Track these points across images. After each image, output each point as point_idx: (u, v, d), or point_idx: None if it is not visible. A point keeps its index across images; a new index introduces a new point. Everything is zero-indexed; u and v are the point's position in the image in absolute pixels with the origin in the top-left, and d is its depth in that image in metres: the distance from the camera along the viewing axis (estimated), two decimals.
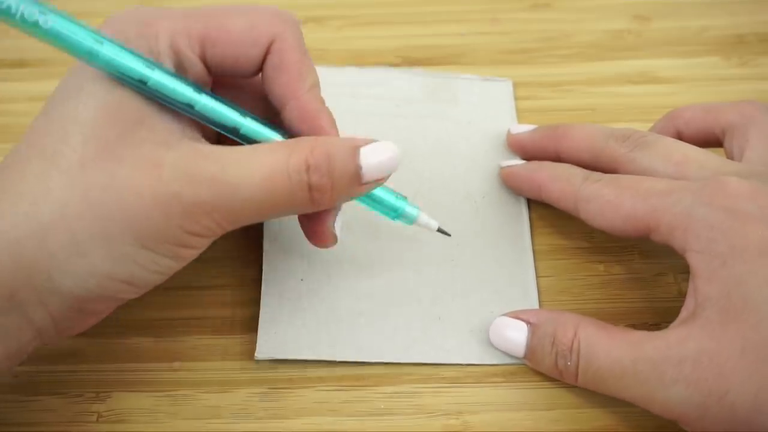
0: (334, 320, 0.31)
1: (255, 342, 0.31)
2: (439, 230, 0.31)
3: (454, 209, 0.35)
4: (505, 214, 0.35)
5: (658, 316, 0.31)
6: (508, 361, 0.30)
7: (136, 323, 0.32)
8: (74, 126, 0.24)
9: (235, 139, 0.27)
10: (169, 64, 0.26)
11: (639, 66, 0.41)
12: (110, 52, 0.24)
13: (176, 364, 0.31)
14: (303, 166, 0.25)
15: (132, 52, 0.25)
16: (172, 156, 0.24)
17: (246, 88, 0.29)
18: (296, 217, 0.32)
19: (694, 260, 0.26)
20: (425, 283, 0.32)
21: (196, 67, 0.27)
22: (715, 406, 0.25)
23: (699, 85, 0.40)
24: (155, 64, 0.25)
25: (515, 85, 0.40)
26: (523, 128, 0.36)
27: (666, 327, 0.27)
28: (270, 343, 0.31)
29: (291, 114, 0.27)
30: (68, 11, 0.44)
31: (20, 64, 0.42)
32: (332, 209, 0.28)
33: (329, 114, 0.28)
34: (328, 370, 0.30)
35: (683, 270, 0.27)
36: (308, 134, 0.27)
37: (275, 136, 0.27)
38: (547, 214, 0.34)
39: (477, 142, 0.37)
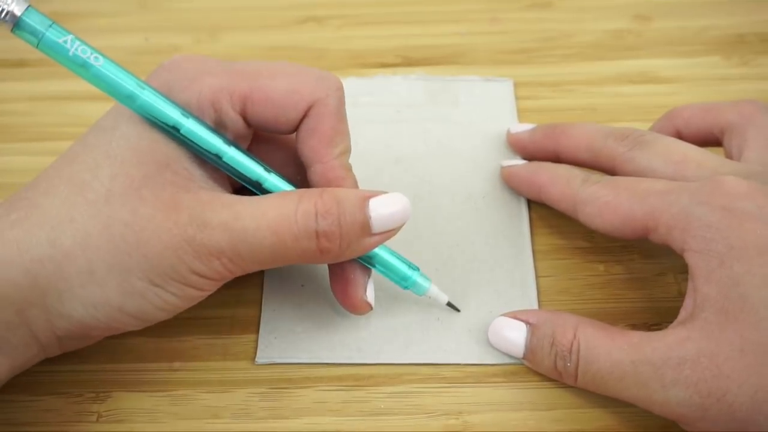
0: (334, 324, 0.31)
1: (255, 342, 0.31)
2: (449, 304, 0.31)
3: (455, 209, 0.35)
4: (505, 214, 0.35)
5: (658, 316, 0.31)
6: (508, 361, 0.30)
7: None
8: (105, 160, 0.25)
9: (258, 192, 0.28)
10: (208, 119, 0.27)
11: (639, 66, 0.41)
12: (149, 98, 0.26)
13: (176, 364, 0.31)
14: (311, 211, 0.26)
15: (169, 101, 0.26)
16: (188, 200, 0.25)
17: (281, 143, 0.30)
18: None
19: (692, 260, 0.26)
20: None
21: (237, 124, 0.28)
22: (714, 406, 0.25)
23: (699, 84, 0.40)
24: (189, 113, 0.26)
25: (515, 85, 0.40)
26: (522, 128, 0.36)
27: (666, 327, 0.27)
28: (270, 348, 0.31)
29: (314, 176, 0.28)
30: (70, 11, 0.44)
31: (20, 64, 0.42)
32: (361, 277, 0.29)
33: (352, 181, 0.28)
34: (328, 370, 0.30)
35: (683, 270, 0.27)
36: None
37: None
38: (547, 214, 0.34)
39: (478, 143, 0.37)
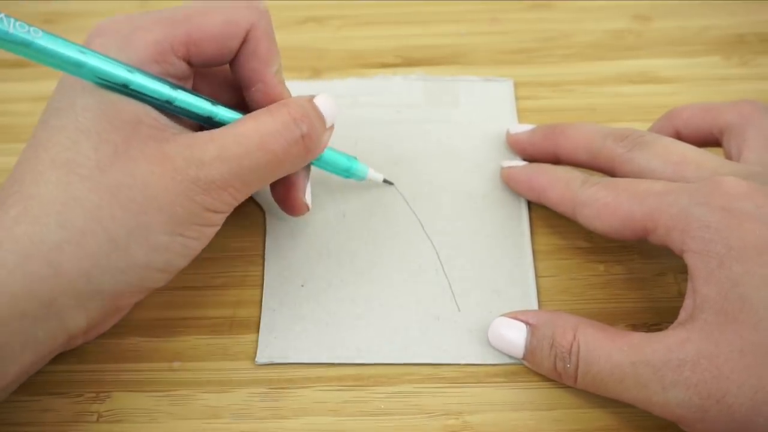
0: (333, 324, 0.31)
1: (255, 342, 0.31)
2: (385, 180, 0.35)
3: (455, 209, 0.35)
4: (505, 214, 0.35)
5: (658, 316, 0.31)
6: (508, 361, 0.30)
7: (136, 323, 0.32)
8: (80, 135, 0.26)
9: (211, 126, 0.28)
10: (155, 72, 0.27)
11: (639, 66, 0.41)
12: (95, 62, 0.26)
13: (176, 364, 0.31)
14: (289, 120, 0.28)
15: (113, 60, 0.26)
16: (173, 147, 0.26)
17: (212, 73, 0.31)
18: (296, 221, 0.34)
19: (691, 261, 0.26)
20: (424, 284, 0.32)
21: (180, 69, 0.28)
22: (713, 408, 0.25)
23: (699, 85, 0.40)
24: (134, 68, 0.26)
25: (515, 85, 0.40)
26: (521, 128, 0.36)
27: (666, 327, 0.27)
28: (270, 348, 0.31)
29: (257, 95, 0.30)
30: (70, 11, 0.44)
31: (20, 64, 0.42)
32: (303, 181, 0.32)
33: (289, 93, 0.30)
34: (328, 370, 0.30)
35: (683, 270, 0.27)
36: None
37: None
38: (547, 214, 0.34)
39: (478, 143, 0.37)
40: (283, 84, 0.30)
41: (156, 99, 0.27)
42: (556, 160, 0.34)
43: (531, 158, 0.35)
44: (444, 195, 0.35)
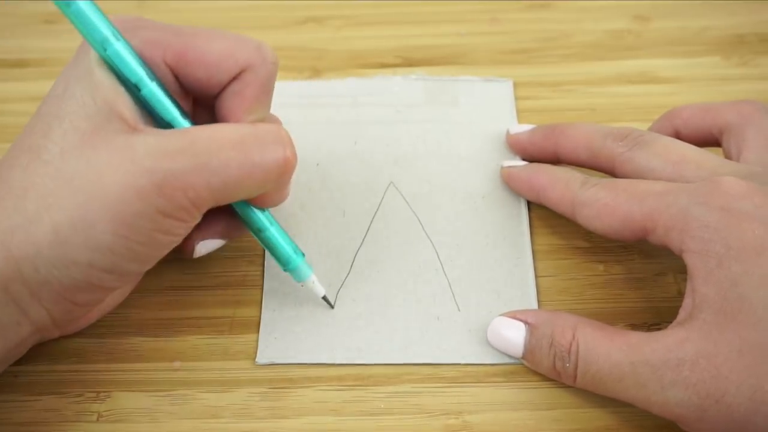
0: (333, 325, 0.31)
1: (255, 342, 0.31)
2: (324, 298, 0.31)
3: (455, 209, 0.35)
4: (505, 214, 0.35)
5: (658, 316, 0.31)
6: (507, 360, 0.30)
7: (135, 323, 0.32)
8: (55, 121, 0.26)
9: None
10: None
11: (639, 66, 0.41)
12: (85, 8, 0.25)
13: (176, 364, 0.31)
14: (277, 137, 0.26)
15: (105, 19, 0.25)
16: (141, 138, 0.25)
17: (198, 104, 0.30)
18: (296, 221, 0.34)
19: (690, 260, 0.26)
20: (424, 284, 0.32)
21: (167, 77, 0.27)
22: (712, 407, 0.25)
23: (699, 85, 0.40)
24: (121, 36, 0.26)
25: (515, 85, 0.40)
26: (521, 128, 0.36)
27: (665, 327, 0.27)
28: (270, 348, 0.31)
29: None
30: None
31: (20, 64, 0.42)
32: (217, 232, 0.30)
33: None
34: (328, 370, 0.30)
35: (683, 270, 0.27)
36: None
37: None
38: (546, 214, 0.34)
39: (477, 143, 0.37)
40: None
41: (127, 77, 0.26)
42: (556, 160, 0.34)
43: (531, 158, 0.35)
44: (444, 195, 0.35)
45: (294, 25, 0.43)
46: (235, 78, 0.27)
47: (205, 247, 0.30)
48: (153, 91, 0.26)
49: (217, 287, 0.33)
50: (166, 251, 0.27)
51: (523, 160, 0.36)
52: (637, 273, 0.33)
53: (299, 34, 0.43)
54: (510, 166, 0.35)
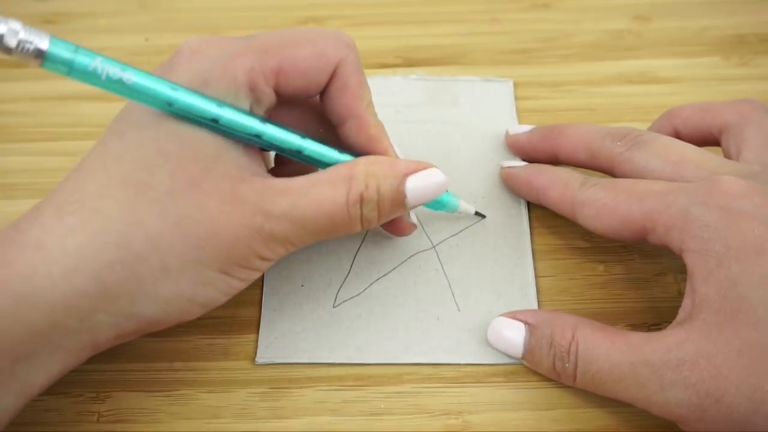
0: (333, 324, 0.31)
1: (255, 342, 0.31)
2: (477, 213, 0.34)
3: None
4: (505, 214, 0.35)
5: (658, 316, 0.31)
6: (507, 361, 0.30)
7: None
8: (158, 158, 0.25)
9: (299, 159, 0.29)
10: (246, 100, 0.27)
11: (639, 66, 0.41)
12: (186, 99, 0.26)
13: (176, 364, 0.31)
14: (358, 200, 0.27)
15: (202, 96, 0.26)
16: (247, 191, 0.26)
17: (301, 107, 0.31)
18: None
19: (690, 260, 0.26)
20: (424, 284, 0.32)
21: (270, 98, 0.28)
22: (712, 407, 0.25)
23: (699, 85, 0.40)
24: (224, 103, 0.26)
25: (515, 85, 0.40)
26: (520, 129, 0.36)
27: (665, 327, 0.27)
28: (271, 348, 0.31)
29: (350, 130, 0.29)
30: (70, 11, 0.44)
31: (20, 64, 0.41)
32: None
33: (383, 128, 0.30)
34: (328, 370, 0.30)
35: (683, 270, 0.27)
36: (366, 146, 0.30)
37: (333, 153, 0.29)
38: (546, 214, 0.34)
39: (477, 143, 0.37)
40: (375, 116, 0.30)
41: (245, 133, 0.27)
42: (556, 161, 0.34)
43: (530, 159, 0.35)
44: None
45: (294, 25, 0.43)
46: (332, 75, 0.29)
47: (414, 216, 0.32)
48: (272, 134, 0.27)
49: None
50: (250, 283, 0.28)
51: (523, 160, 0.36)
52: (637, 273, 0.33)
53: None
54: (510, 167, 0.35)
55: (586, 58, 0.41)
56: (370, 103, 0.30)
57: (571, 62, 0.41)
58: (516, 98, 0.39)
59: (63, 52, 0.23)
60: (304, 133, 0.28)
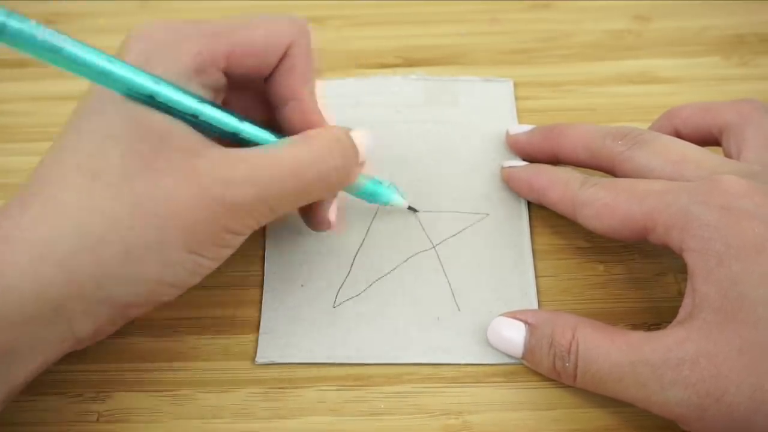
0: (333, 324, 0.31)
1: (255, 342, 0.31)
2: (410, 208, 0.34)
3: (454, 209, 0.35)
4: (505, 214, 0.35)
5: (658, 316, 0.31)
6: (507, 360, 0.30)
7: (136, 323, 0.31)
8: (109, 141, 0.25)
9: (237, 142, 0.28)
10: (192, 85, 0.27)
11: (639, 66, 0.41)
12: (122, 71, 0.25)
13: (176, 364, 0.31)
14: (326, 153, 0.27)
15: (140, 71, 0.26)
16: (203, 163, 0.26)
17: (243, 88, 0.30)
18: (296, 221, 0.33)
19: (691, 259, 0.26)
20: (424, 284, 0.32)
21: (219, 80, 0.28)
22: (713, 406, 0.25)
23: (699, 85, 0.40)
24: (161, 79, 0.26)
25: (515, 85, 0.40)
26: (521, 129, 0.36)
27: (665, 327, 0.27)
28: (271, 348, 0.31)
29: (291, 113, 0.29)
30: (70, 11, 0.44)
31: (20, 64, 0.42)
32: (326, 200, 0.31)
33: (323, 117, 0.30)
34: (329, 370, 0.30)
35: (683, 270, 0.27)
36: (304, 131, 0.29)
37: (270, 137, 0.28)
38: (547, 214, 0.34)
39: (478, 143, 0.37)
40: (317, 104, 0.30)
41: (182, 112, 0.26)
42: (556, 161, 0.34)
43: (530, 159, 0.35)
44: (444, 195, 0.35)
45: None
46: (282, 57, 0.29)
47: (332, 213, 0.31)
48: (210, 114, 0.27)
49: (217, 287, 0.33)
50: (223, 261, 0.28)
51: (523, 160, 0.36)
52: (637, 273, 0.33)
53: None
54: (510, 167, 0.35)
55: (586, 58, 0.41)
56: (314, 91, 0.30)
57: (571, 62, 0.41)
58: (516, 98, 0.39)
59: None
60: (243, 117, 0.28)
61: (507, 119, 0.38)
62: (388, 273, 0.33)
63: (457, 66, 0.41)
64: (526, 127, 0.36)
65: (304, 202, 0.29)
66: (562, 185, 0.31)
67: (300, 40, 0.29)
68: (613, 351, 0.27)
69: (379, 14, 0.44)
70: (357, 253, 0.33)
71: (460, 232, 0.34)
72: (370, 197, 0.33)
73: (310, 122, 0.29)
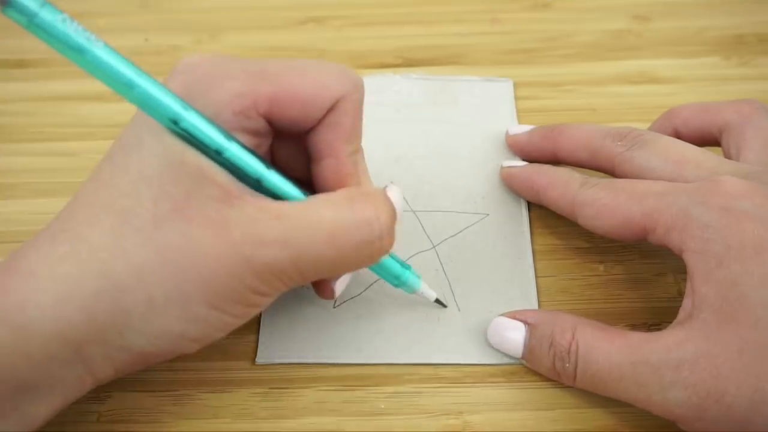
0: (334, 324, 0.31)
1: (255, 342, 0.31)
2: (437, 301, 0.31)
3: (454, 209, 0.35)
4: (505, 214, 0.35)
5: (658, 317, 0.31)
6: (507, 361, 0.30)
7: None
8: (141, 182, 0.24)
9: (257, 191, 0.26)
10: (226, 124, 0.25)
11: (639, 66, 0.41)
12: (145, 84, 0.24)
13: (176, 364, 0.31)
14: (371, 220, 0.25)
15: (167, 91, 0.24)
16: (236, 215, 0.24)
17: (290, 138, 0.28)
18: None
19: (690, 260, 0.26)
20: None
21: (260, 125, 0.26)
22: (713, 407, 0.25)
23: (699, 85, 0.40)
24: (189, 106, 0.24)
25: (515, 85, 0.40)
26: (520, 129, 0.36)
27: (665, 327, 0.27)
28: (271, 348, 0.31)
29: (325, 170, 0.27)
30: (70, 11, 0.44)
31: (20, 64, 0.42)
32: None
33: (361, 178, 0.28)
34: (329, 370, 0.30)
35: (683, 270, 0.27)
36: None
37: (296, 193, 0.26)
38: (546, 214, 0.34)
39: (477, 143, 0.37)
40: (357, 167, 0.28)
41: (206, 145, 0.24)
42: (556, 161, 0.34)
43: (530, 159, 0.35)
44: (444, 196, 0.35)
45: (294, 25, 0.43)
46: (329, 110, 0.26)
47: (341, 284, 0.29)
48: (235, 153, 0.25)
49: None
50: (250, 318, 0.26)
51: (523, 160, 0.36)
52: (637, 273, 0.33)
53: (299, 34, 0.43)
54: (510, 167, 0.35)
55: (586, 58, 0.41)
56: (356, 152, 0.28)
57: (571, 62, 0.41)
58: (516, 98, 0.39)
59: (30, 3, 0.21)
60: (270, 164, 0.26)
61: (507, 119, 0.38)
62: None
63: (457, 66, 0.41)
64: (526, 127, 0.36)
65: (339, 273, 0.27)
66: (562, 185, 0.31)
67: (351, 96, 0.26)
68: (612, 351, 0.27)
69: (379, 14, 0.44)
70: None
71: (460, 232, 0.34)
72: (396, 279, 0.30)
73: (343, 185, 0.27)
